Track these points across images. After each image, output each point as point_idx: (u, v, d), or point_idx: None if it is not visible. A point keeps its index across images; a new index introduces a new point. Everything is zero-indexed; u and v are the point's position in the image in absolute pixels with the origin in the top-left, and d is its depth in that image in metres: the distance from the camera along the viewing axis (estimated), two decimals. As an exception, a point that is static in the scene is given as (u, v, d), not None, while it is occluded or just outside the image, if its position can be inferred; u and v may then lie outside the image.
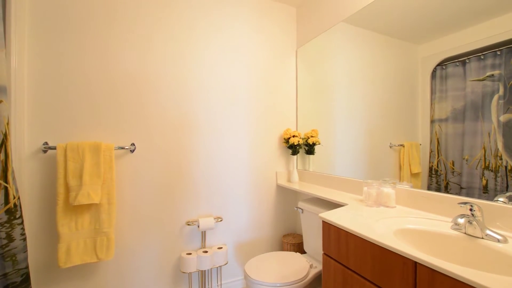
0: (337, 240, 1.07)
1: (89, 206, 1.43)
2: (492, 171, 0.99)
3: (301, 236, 2.13)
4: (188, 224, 1.76)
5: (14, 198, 1.14)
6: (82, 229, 1.41)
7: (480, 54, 1.03)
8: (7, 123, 1.12)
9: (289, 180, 2.16)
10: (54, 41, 1.45)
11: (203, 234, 1.84)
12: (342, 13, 1.74)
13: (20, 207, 1.17)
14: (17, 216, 1.15)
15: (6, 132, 1.11)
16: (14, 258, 1.13)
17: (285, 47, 2.20)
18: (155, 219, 1.70)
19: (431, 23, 1.21)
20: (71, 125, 1.49)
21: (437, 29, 1.19)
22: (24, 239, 1.19)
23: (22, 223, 1.17)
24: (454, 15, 1.12)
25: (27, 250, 1.20)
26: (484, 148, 1.02)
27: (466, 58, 1.07)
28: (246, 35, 2.02)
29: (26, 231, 1.37)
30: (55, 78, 1.45)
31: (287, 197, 2.22)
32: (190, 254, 1.71)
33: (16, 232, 1.15)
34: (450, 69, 1.13)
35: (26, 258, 1.19)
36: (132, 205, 1.63)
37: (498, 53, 0.97)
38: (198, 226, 1.74)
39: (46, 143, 1.42)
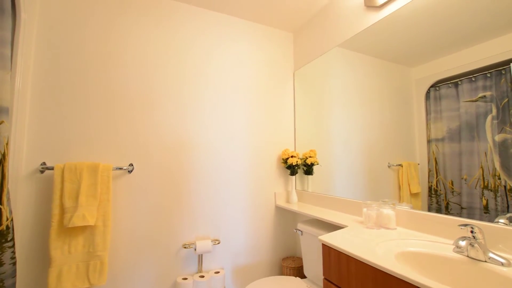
0: (338, 264, 1.04)
1: (83, 228, 1.40)
2: (491, 190, 0.98)
3: (301, 259, 2.06)
4: (185, 247, 1.71)
5: (7, 220, 1.11)
6: (75, 253, 1.37)
7: (471, 76, 1.06)
8: (7, 143, 1.12)
9: (288, 201, 2.13)
10: (58, 63, 1.50)
11: (200, 257, 1.78)
12: (336, 38, 1.81)
13: (13, 229, 1.14)
14: (9, 239, 1.12)
15: (5, 152, 1.11)
16: (1, 284, 1.08)
17: (282, 69, 2.27)
18: (151, 241, 1.65)
19: (423, 47, 1.26)
20: (70, 146, 1.50)
21: (428, 52, 1.23)
22: (14, 264, 1.14)
23: (13, 246, 1.14)
24: (445, 39, 1.17)
25: (16, 275, 1.15)
26: (481, 167, 1.01)
27: (458, 80, 1.10)
28: (245, 58, 2.08)
29: (17, 255, 1.33)
30: (56, 98, 1.48)
31: (286, 219, 2.18)
32: (186, 279, 1.65)
33: (6, 256, 1.11)
34: (443, 90, 1.16)
35: (14, 284, 1.14)
36: (128, 227, 1.60)
37: (488, 75, 1.00)
38: (195, 249, 1.69)
39: (44, 163, 1.42)
